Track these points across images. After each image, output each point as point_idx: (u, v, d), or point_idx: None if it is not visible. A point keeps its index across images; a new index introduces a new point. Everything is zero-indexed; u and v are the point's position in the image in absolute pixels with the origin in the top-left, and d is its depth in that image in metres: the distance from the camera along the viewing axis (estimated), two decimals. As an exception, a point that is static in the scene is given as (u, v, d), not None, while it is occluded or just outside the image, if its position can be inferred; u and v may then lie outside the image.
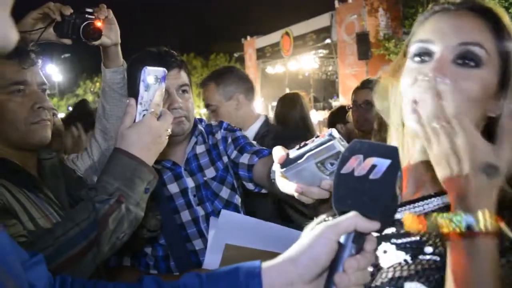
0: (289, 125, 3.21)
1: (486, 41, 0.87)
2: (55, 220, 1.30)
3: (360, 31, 13.87)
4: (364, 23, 14.15)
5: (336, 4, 15.34)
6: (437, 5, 0.94)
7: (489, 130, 0.90)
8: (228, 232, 1.63)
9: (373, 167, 0.71)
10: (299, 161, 0.90)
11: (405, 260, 0.85)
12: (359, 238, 0.71)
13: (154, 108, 1.23)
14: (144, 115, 1.22)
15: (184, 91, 1.72)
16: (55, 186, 1.41)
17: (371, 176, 0.71)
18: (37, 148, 1.40)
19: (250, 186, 1.81)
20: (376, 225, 0.70)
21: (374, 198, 0.70)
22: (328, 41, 15.91)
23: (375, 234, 0.75)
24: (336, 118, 3.71)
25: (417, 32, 0.95)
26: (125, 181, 1.18)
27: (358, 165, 0.72)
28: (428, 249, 0.85)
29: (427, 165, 0.92)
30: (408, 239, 0.88)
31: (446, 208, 0.88)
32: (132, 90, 1.59)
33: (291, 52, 17.60)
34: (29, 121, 1.32)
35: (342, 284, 0.69)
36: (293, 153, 0.92)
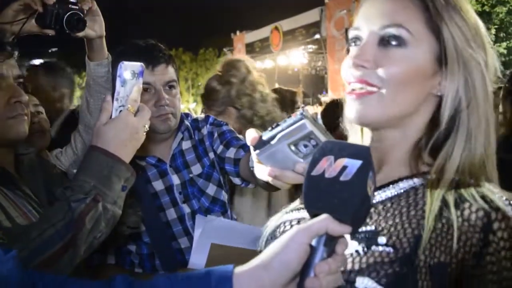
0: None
1: (410, 19, 0.87)
2: (33, 217, 1.26)
3: (350, 27, 13.86)
4: (353, 19, 14.15)
5: (326, -1, 15.31)
6: None
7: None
8: (214, 231, 1.60)
9: (344, 168, 0.69)
10: (271, 143, 0.87)
11: (356, 251, 0.83)
12: (330, 241, 0.69)
13: (131, 104, 1.20)
14: (120, 111, 1.19)
15: (171, 86, 1.68)
16: (33, 182, 1.37)
17: (342, 178, 0.69)
18: (14, 144, 1.35)
19: (237, 181, 1.78)
20: (347, 228, 0.68)
21: (345, 200, 0.68)
22: (317, 36, 15.87)
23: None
24: (330, 114, 3.61)
25: (354, 18, 0.97)
26: (101, 179, 1.16)
27: (329, 166, 0.70)
28: (382, 240, 0.83)
29: (379, 153, 0.92)
30: (364, 228, 0.86)
31: (405, 194, 0.87)
32: (114, 86, 1.55)
33: (280, 47, 17.55)
34: (5, 116, 1.27)
35: None
36: (266, 134, 0.88)
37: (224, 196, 1.80)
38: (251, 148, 0.91)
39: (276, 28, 17.83)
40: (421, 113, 0.91)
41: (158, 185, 1.72)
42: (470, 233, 0.78)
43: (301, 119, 0.85)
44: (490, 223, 0.77)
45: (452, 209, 0.80)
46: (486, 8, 17.11)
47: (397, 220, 0.84)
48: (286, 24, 17.38)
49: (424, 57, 0.87)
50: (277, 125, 0.88)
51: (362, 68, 0.88)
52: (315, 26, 15.98)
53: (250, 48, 20.07)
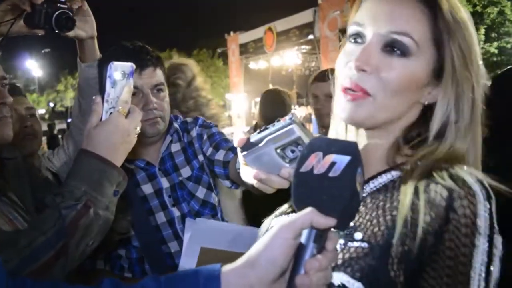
0: (272, 121, 3.17)
1: (418, 30, 0.86)
2: (20, 225, 1.24)
3: (343, 27, 13.88)
4: (347, 19, 14.15)
5: (319, 0, 15.32)
6: None
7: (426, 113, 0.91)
8: (203, 235, 1.59)
9: (333, 164, 0.69)
10: (258, 145, 0.87)
11: None
12: (320, 237, 0.69)
13: (122, 105, 1.16)
14: (111, 113, 1.16)
15: (159, 90, 1.66)
16: (19, 188, 1.34)
17: (331, 174, 0.69)
18: None
19: (226, 183, 1.77)
20: (332, 221, 0.67)
21: (334, 196, 0.68)
22: (311, 37, 15.87)
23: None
24: None
25: (355, 12, 0.94)
26: (92, 184, 1.12)
27: (318, 163, 0.70)
28: (358, 235, 0.84)
29: (365, 149, 0.93)
30: None
31: (384, 188, 0.89)
32: (103, 86, 1.54)
33: (274, 48, 17.51)
34: None
35: (304, 286, 0.67)
36: (254, 137, 0.88)
37: (214, 198, 1.79)
38: (238, 150, 0.91)
39: (270, 28, 17.79)
40: (406, 118, 0.92)
41: (147, 188, 1.71)
42: (433, 213, 0.79)
43: (289, 124, 0.85)
44: (452, 201, 0.78)
45: (422, 194, 0.81)
46: (478, 9, 17.22)
47: (374, 214, 0.86)
48: (280, 24, 17.35)
49: (422, 68, 0.87)
50: (266, 128, 0.88)
51: (362, 71, 0.87)
52: (309, 27, 15.97)
53: (244, 49, 20.03)
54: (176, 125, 1.79)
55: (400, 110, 0.90)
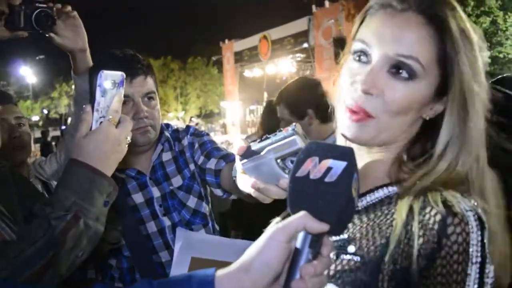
0: (274, 131, 3.15)
1: (425, 53, 0.86)
2: (7, 235, 1.21)
3: (338, 36, 13.96)
4: (341, 28, 14.25)
5: (314, 8, 15.41)
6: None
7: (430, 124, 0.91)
8: (194, 245, 1.58)
9: (329, 169, 0.69)
10: (259, 154, 0.87)
11: None
12: (315, 242, 0.68)
13: (112, 114, 1.14)
14: (101, 122, 1.14)
15: (150, 98, 1.65)
16: (6, 198, 1.32)
17: (327, 179, 0.68)
18: None
19: (218, 192, 1.75)
20: (325, 226, 0.67)
21: (329, 201, 0.68)
22: (305, 45, 15.97)
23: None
24: None
25: (361, 27, 0.93)
26: (82, 194, 1.11)
27: (314, 168, 0.70)
28: (351, 248, 0.85)
29: (365, 163, 0.94)
30: (337, 237, 0.87)
31: (380, 203, 0.89)
32: (93, 95, 1.53)
33: (269, 56, 17.61)
34: None
35: None
36: (255, 145, 0.88)
37: (205, 208, 1.78)
38: (237, 158, 0.90)
39: (265, 37, 17.88)
40: (407, 133, 0.93)
41: (138, 197, 1.70)
42: (426, 236, 0.79)
43: (292, 134, 0.85)
44: (445, 227, 0.79)
45: (416, 216, 0.81)
46: (472, 18, 17.38)
47: (369, 229, 0.86)
48: (275, 33, 17.45)
49: (426, 89, 0.87)
50: (267, 137, 0.88)
51: (368, 95, 0.87)
52: (303, 35, 16.08)
53: (239, 57, 20.10)
54: (167, 133, 1.78)
55: (402, 128, 0.90)
